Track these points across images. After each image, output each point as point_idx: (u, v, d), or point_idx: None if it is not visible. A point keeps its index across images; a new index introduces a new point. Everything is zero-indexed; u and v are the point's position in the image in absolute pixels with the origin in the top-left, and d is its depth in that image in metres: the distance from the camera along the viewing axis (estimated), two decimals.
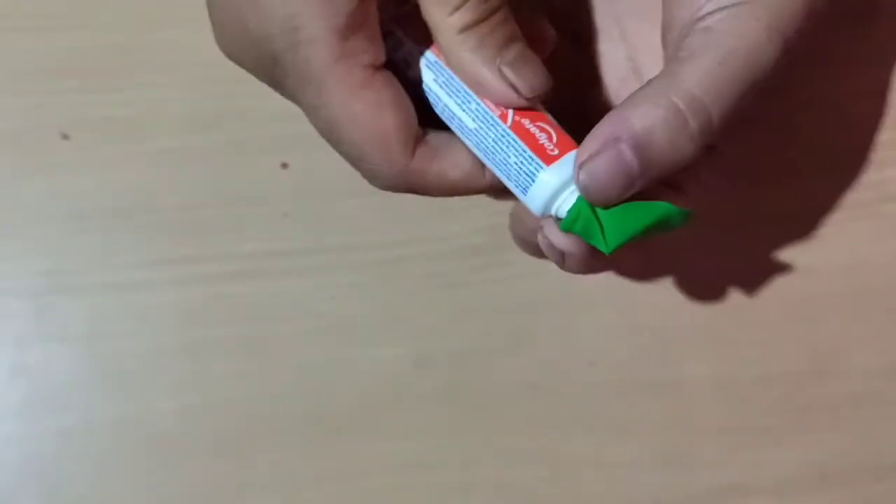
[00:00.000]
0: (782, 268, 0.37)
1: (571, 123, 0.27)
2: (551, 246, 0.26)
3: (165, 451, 0.36)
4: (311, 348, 0.37)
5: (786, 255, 0.37)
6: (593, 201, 0.24)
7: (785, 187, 0.37)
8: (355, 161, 0.27)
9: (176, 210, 0.36)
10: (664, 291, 0.37)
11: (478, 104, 0.26)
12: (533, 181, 0.25)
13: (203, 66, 0.35)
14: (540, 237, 0.26)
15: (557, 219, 0.26)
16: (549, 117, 0.27)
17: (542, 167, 0.25)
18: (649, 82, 0.25)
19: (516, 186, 0.26)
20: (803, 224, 0.37)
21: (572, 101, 0.28)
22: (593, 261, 0.26)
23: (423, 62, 0.27)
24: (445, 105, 0.27)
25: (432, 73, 0.27)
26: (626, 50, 0.31)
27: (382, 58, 0.26)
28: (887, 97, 0.37)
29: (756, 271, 0.37)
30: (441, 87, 0.27)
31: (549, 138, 0.26)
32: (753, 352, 0.37)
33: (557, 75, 0.26)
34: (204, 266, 0.36)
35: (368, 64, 0.25)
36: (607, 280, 0.37)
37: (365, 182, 0.28)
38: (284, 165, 0.37)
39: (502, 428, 0.37)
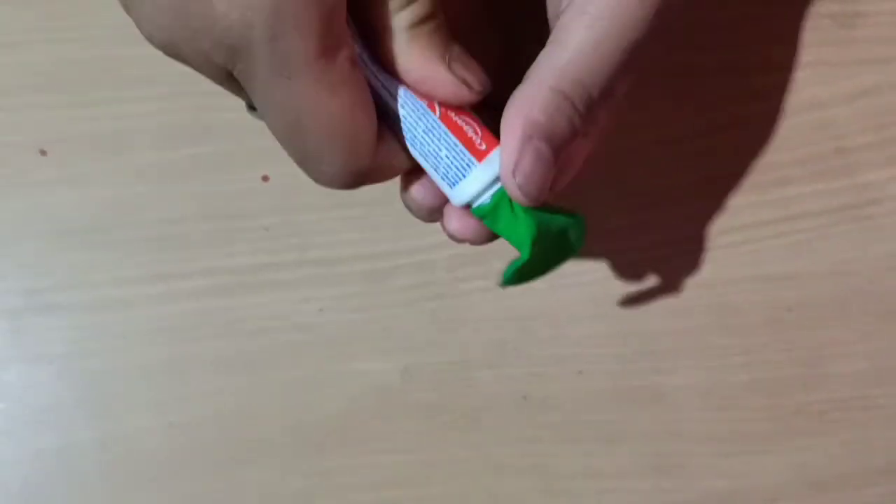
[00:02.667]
0: (768, 274, 0.37)
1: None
2: (457, 233, 0.28)
3: (148, 471, 0.36)
4: (295, 363, 0.36)
5: (771, 261, 0.37)
6: (529, 201, 0.26)
7: (768, 193, 0.37)
8: (311, 160, 0.26)
9: (156, 225, 0.36)
10: (651, 300, 0.37)
11: (405, 93, 0.26)
12: (465, 176, 0.26)
13: (180, 80, 0.35)
14: (450, 224, 0.28)
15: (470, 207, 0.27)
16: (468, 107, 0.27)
17: (473, 163, 0.26)
18: (535, 71, 0.26)
19: (443, 178, 0.26)
20: (787, 230, 0.37)
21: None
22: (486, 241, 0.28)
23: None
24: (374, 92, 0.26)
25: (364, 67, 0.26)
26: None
27: (354, 49, 0.25)
28: (867, 101, 0.37)
29: (742, 278, 0.37)
30: (371, 76, 0.26)
31: (475, 131, 0.26)
32: (741, 359, 0.37)
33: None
34: (185, 281, 0.36)
35: (348, 57, 0.24)
36: (594, 289, 0.37)
37: (347, 194, 0.28)
38: (265, 178, 0.36)
39: (491, 440, 0.37)
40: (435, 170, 0.26)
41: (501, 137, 0.25)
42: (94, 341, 0.36)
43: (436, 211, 0.28)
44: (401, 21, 0.25)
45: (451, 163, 0.26)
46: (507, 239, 0.27)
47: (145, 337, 0.36)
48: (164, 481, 0.36)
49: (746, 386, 0.37)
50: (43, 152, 0.36)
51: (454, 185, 0.26)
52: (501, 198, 0.26)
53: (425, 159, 0.27)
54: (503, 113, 0.26)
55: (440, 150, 0.26)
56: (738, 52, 0.37)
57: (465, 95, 0.26)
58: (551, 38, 0.26)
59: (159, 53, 0.35)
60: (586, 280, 0.37)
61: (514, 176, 0.25)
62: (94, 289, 0.36)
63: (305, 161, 0.26)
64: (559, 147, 0.26)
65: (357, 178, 0.26)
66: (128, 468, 0.36)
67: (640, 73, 0.28)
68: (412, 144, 0.26)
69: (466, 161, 0.26)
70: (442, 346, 0.37)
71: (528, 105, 0.25)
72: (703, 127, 0.37)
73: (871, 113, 0.37)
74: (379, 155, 0.26)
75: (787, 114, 0.37)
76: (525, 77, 0.26)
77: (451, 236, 0.28)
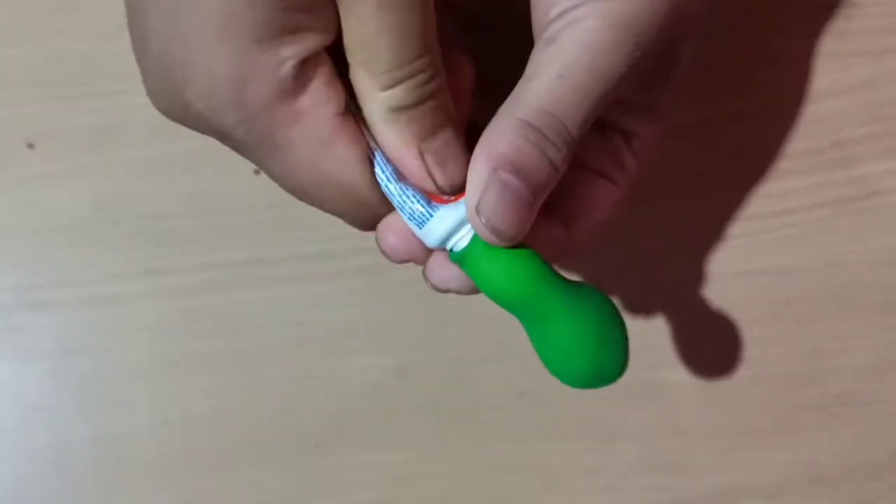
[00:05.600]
0: (766, 269, 0.37)
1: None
2: (438, 283, 0.26)
3: (142, 470, 0.36)
4: (290, 360, 0.36)
5: (769, 255, 0.37)
6: (500, 240, 0.24)
7: (765, 187, 0.37)
8: (336, 214, 0.26)
9: (147, 220, 0.36)
10: (649, 295, 0.37)
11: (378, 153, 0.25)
12: (431, 216, 0.25)
13: None
14: (431, 274, 0.26)
15: (448, 251, 0.25)
16: None
17: (437, 207, 0.25)
18: (501, 109, 0.24)
19: (409, 218, 0.25)
20: (786, 223, 0.37)
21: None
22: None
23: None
24: None
25: None
26: None
27: (344, 99, 0.24)
28: (865, 93, 0.37)
29: (740, 272, 0.37)
30: None
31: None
32: (740, 354, 0.37)
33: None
34: (178, 277, 0.36)
35: (333, 114, 0.24)
36: (591, 283, 0.37)
37: None
38: (258, 171, 0.36)
39: (489, 437, 0.36)
40: (401, 209, 0.25)
41: (468, 173, 0.24)
42: (86, 339, 0.36)
43: (412, 259, 0.27)
44: (381, 101, 0.24)
45: (417, 202, 0.25)
46: (489, 293, 0.25)
47: (138, 334, 0.36)
48: (158, 480, 0.36)
49: (746, 381, 0.37)
50: (31, 146, 0.36)
51: (422, 225, 0.25)
52: (475, 242, 0.24)
53: (393, 198, 0.25)
54: (474, 150, 0.24)
55: (406, 191, 0.25)
56: (735, 46, 0.37)
57: (429, 187, 0.25)
58: (524, 74, 0.25)
59: None
60: (583, 274, 0.37)
61: (478, 213, 0.24)
62: (86, 286, 0.36)
63: (331, 213, 0.26)
64: (536, 183, 0.24)
65: (377, 220, 0.26)
66: (121, 467, 0.36)
67: (662, 116, 0.28)
68: (381, 181, 0.25)
69: (432, 204, 0.25)
70: (439, 341, 0.36)
71: (494, 138, 0.24)
72: (701, 120, 0.37)
73: (869, 105, 0.37)
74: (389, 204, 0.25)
75: (784, 106, 0.37)
76: (496, 114, 0.25)
77: (434, 287, 0.26)
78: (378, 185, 0.25)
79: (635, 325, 0.37)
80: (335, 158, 0.24)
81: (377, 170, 0.25)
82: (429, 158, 0.24)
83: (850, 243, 0.37)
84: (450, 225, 0.25)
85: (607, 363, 0.25)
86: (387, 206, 0.25)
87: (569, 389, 0.36)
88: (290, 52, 0.22)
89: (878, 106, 0.37)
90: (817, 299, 0.37)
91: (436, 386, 0.36)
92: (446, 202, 0.25)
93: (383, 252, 0.26)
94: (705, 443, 0.37)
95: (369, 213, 0.25)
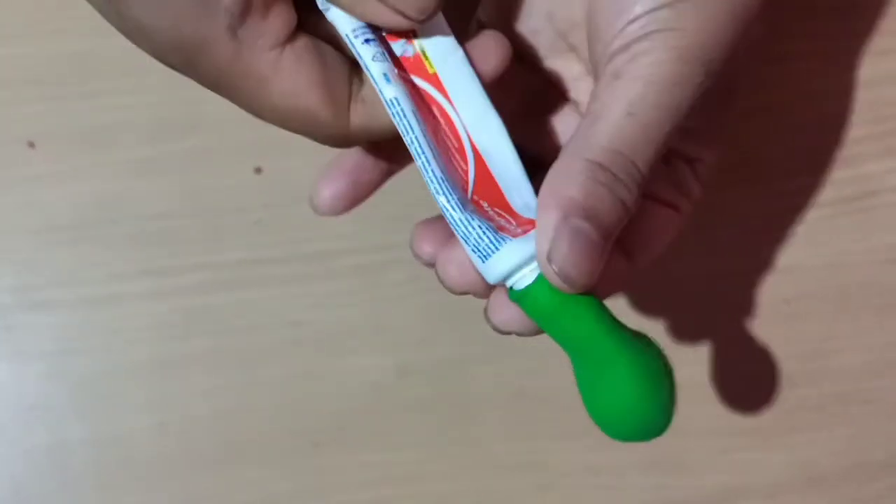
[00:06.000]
0: (767, 267, 0.37)
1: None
2: (501, 325, 0.25)
3: (139, 470, 0.36)
4: (289, 359, 0.36)
5: (770, 254, 0.37)
6: (576, 283, 0.23)
7: (767, 186, 0.37)
8: (303, 135, 0.25)
9: (146, 220, 0.36)
10: (648, 293, 0.37)
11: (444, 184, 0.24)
12: (497, 249, 0.24)
13: (171, 72, 0.34)
14: (494, 315, 0.25)
15: (509, 288, 0.25)
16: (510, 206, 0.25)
17: (506, 239, 0.24)
18: (569, 147, 0.24)
19: (474, 250, 0.24)
20: (786, 223, 0.37)
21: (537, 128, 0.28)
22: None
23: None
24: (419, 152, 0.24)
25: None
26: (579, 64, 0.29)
27: (288, 28, 0.24)
28: (864, 92, 0.37)
29: (740, 272, 0.37)
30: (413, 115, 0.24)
31: (508, 221, 0.24)
32: (740, 353, 0.37)
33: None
34: (177, 277, 0.36)
35: (271, 46, 0.23)
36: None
37: None
38: (258, 171, 0.36)
39: (488, 436, 0.36)
40: (466, 239, 0.24)
41: (537, 219, 0.23)
42: (84, 339, 0.36)
43: (472, 293, 0.26)
44: None
45: (483, 235, 0.24)
46: (552, 334, 0.24)
47: (137, 334, 0.36)
48: (156, 480, 0.36)
49: (745, 380, 0.37)
50: (31, 144, 0.36)
51: (487, 258, 0.24)
52: (540, 283, 0.23)
53: (458, 228, 0.24)
54: (539, 192, 0.23)
55: (472, 220, 0.24)
56: None
57: (402, 23, 0.23)
58: (586, 110, 0.24)
59: None
60: None
61: (549, 261, 0.23)
62: (84, 286, 0.36)
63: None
64: (608, 226, 0.23)
65: (338, 142, 0.25)
66: (118, 467, 0.35)
67: (722, 137, 0.27)
68: (444, 210, 0.24)
69: (498, 237, 0.24)
70: (437, 341, 0.36)
71: (563, 181, 0.23)
72: None
73: (869, 105, 0.37)
74: (361, 117, 0.24)
75: (785, 106, 0.37)
76: (561, 153, 0.24)
77: (496, 329, 0.25)
78: (337, 103, 0.24)
79: (634, 322, 0.37)
80: (280, 93, 0.24)
81: (441, 199, 0.24)
82: None
83: (851, 242, 0.37)
84: (516, 261, 0.23)
85: (655, 418, 0.24)
86: (356, 121, 0.24)
87: (567, 388, 0.36)
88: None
89: (878, 105, 0.37)
90: (817, 299, 0.37)
91: (435, 386, 0.36)
92: (514, 235, 0.24)
93: (442, 283, 0.26)
94: (704, 442, 0.37)
95: (334, 132, 0.25)
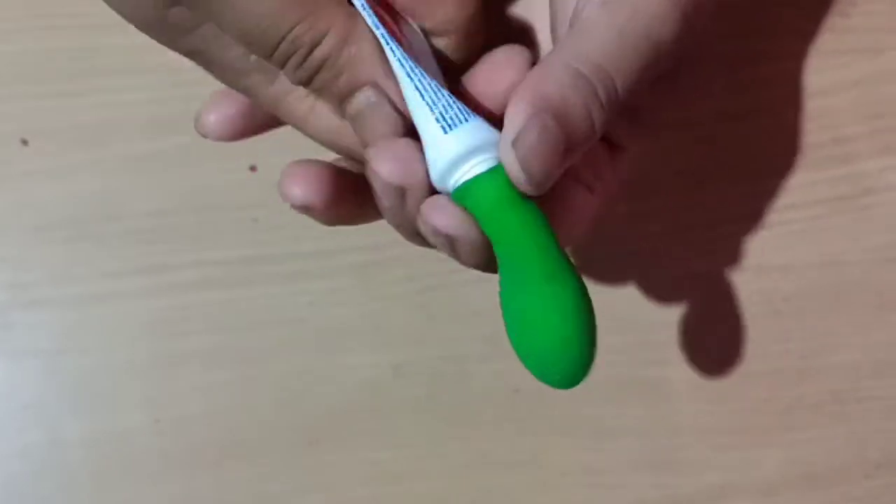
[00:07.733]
0: (763, 266, 0.37)
1: None
2: (439, 225, 0.23)
3: (136, 468, 0.36)
4: (285, 358, 0.36)
5: (766, 252, 0.37)
6: (533, 179, 0.22)
7: (762, 184, 0.37)
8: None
9: (141, 217, 0.36)
10: (646, 291, 0.37)
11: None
12: (465, 121, 0.23)
13: (166, 69, 0.35)
14: (425, 219, 0.24)
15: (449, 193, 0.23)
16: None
17: (472, 115, 0.23)
18: (552, 53, 0.24)
19: (440, 118, 0.23)
20: (783, 220, 0.37)
21: None
22: (486, 252, 0.24)
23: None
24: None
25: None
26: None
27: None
28: (863, 91, 0.37)
29: (736, 270, 0.37)
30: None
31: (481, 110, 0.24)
32: (736, 351, 0.37)
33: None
34: (172, 275, 0.36)
35: (307, 93, 0.25)
36: (587, 279, 0.36)
37: None
38: (253, 168, 0.36)
39: (484, 434, 0.36)
40: (432, 105, 0.23)
41: (508, 108, 0.23)
42: (80, 336, 0.36)
43: (405, 184, 0.24)
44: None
45: (452, 104, 0.23)
46: (495, 236, 0.23)
47: (132, 332, 0.36)
48: (152, 478, 0.35)
49: (742, 378, 0.37)
50: (24, 142, 0.35)
51: (451, 127, 0.23)
52: (495, 173, 0.23)
53: (421, 93, 0.23)
54: (512, 93, 0.23)
55: (440, 90, 0.23)
56: (732, 43, 0.36)
57: None
58: (570, 29, 0.24)
59: (144, 43, 0.35)
60: (579, 270, 0.36)
61: (513, 146, 0.22)
62: (80, 283, 0.36)
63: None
64: (574, 138, 0.23)
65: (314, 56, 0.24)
66: (115, 465, 0.35)
67: (652, 129, 0.27)
68: (409, 78, 0.23)
69: (467, 110, 0.23)
70: (434, 339, 0.36)
71: (543, 79, 0.23)
72: (698, 117, 0.37)
73: (865, 103, 0.37)
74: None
75: (781, 104, 0.37)
76: (541, 60, 0.24)
77: (433, 231, 0.23)
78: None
79: (632, 323, 0.37)
80: (315, 131, 0.26)
81: (403, 78, 0.23)
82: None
83: (847, 241, 0.37)
84: (481, 138, 0.23)
85: (585, 347, 0.23)
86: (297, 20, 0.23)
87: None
88: None
89: (874, 103, 0.37)
90: (814, 297, 0.37)
91: (431, 384, 0.36)
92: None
93: (374, 172, 0.24)
94: (701, 440, 0.37)
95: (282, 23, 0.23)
